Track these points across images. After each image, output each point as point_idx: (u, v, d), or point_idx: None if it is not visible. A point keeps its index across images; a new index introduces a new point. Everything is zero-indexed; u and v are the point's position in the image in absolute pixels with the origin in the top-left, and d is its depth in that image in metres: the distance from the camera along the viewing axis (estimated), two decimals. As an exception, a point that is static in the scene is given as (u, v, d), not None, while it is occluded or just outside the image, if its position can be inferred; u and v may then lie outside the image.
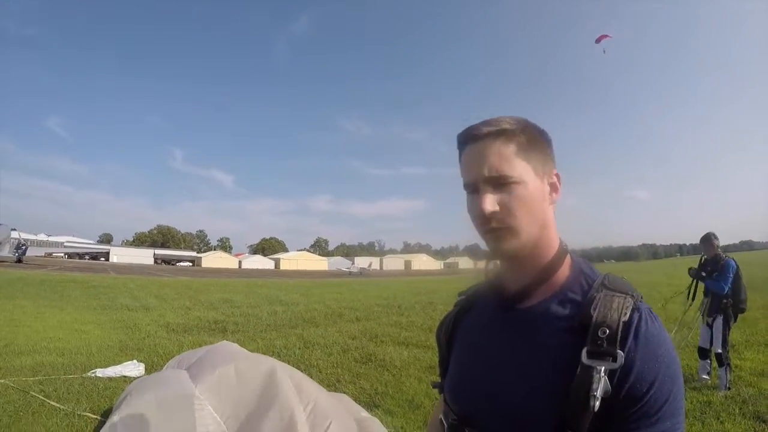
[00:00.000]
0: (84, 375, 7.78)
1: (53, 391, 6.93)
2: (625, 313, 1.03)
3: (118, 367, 8.13)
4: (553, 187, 1.21)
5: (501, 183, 1.12)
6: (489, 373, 1.18)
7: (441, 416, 1.32)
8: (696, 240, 8.27)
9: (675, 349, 1.05)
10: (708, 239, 7.77)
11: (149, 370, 8.21)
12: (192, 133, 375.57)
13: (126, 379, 7.59)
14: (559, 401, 1.00)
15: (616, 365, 0.98)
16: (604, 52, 25.43)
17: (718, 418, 6.14)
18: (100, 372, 7.84)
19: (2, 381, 7.13)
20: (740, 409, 6.44)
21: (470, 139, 1.17)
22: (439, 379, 1.43)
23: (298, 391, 3.65)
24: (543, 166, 1.18)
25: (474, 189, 1.15)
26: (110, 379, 7.61)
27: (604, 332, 1.00)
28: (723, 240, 7.86)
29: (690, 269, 8.04)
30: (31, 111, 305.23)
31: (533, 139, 1.18)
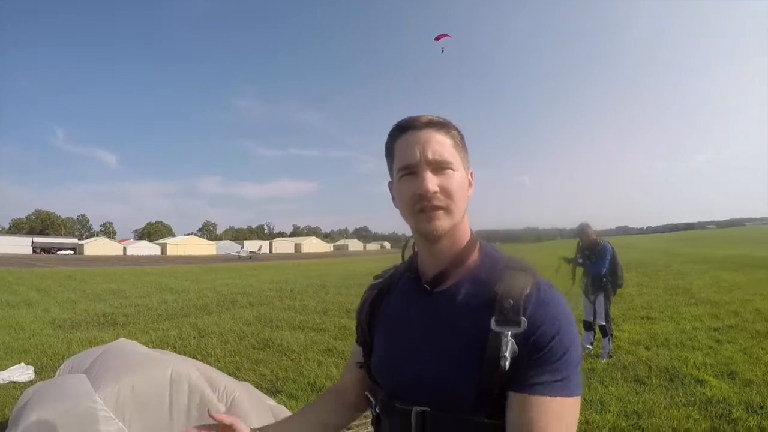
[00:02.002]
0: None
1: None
2: (527, 287, 1.16)
3: (4, 372, 7.59)
4: (470, 183, 1.33)
5: (441, 167, 1.23)
6: (414, 351, 1.27)
7: (368, 393, 1.43)
8: (576, 225, 8.87)
9: (572, 314, 1.19)
10: (583, 229, 8.52)
11: (40, 374, 7.80)
12: (74, 109, 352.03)
13: (15, 386, 7.15)
14: (477, 368, 1.12)
15: (520, 329, 1.10)
16: (442, 51, 25.41)
17: (603, 383, 6.68)
18: (-9, 377, 7.35)
19: None
20: (622, 374, 7.04)
21: (412, 126, 1.27)
22: (346, 361, 1.58)
23: (210, 382, 3.62)
24: (466, 162, 1.32)
25: (413, 171, 1.23)
26: (-3, 385, 7.17)
27: (509, 303, 1.13)
28: (601, 225, 8.51)
29: (565, 259, 8.76)
30: None
31: (462, 138, 1.32)
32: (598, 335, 8.25)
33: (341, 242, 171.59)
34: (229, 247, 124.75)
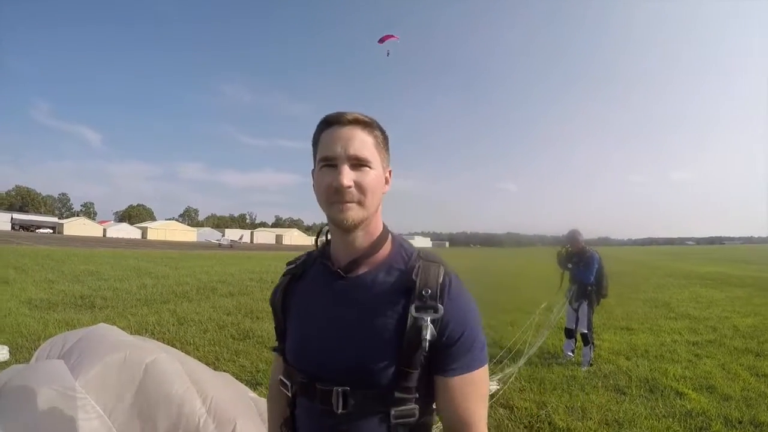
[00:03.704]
0: None
1: None
2: (440, 277, 1.35)
3: (-22, 350, 7.48)
4: (387, 181, 1.45)
5: (359, 164, 1.34)
6: (330, 333, 1.39)
7: (282, 377, 1.54)
8: (557, 233, 8.98)
9: (473, 300, 1.41)
10: (573, 236, 8.50)
11: (14, 354, 7.65)
12: (59, 83, 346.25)
13: (-12, 364, 7.04)
14: (396, 349, 1.30)
15: (438, 315, 1.29)
16: (388, 54, 25.00)
17: (583, 390, 6.70)
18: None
19: None
20: (602, 382, 7.07)
21: (337, 122, 1.37)
22: (276, 344, 1.67)
23: (194, 381, 3.52)
24: (385, 161, 1.44)
25: (333, 164, 1.33)
26: (-30, 364, 7.01)
27: (427, 292, 1.31)
28: (584, 235, 8.52)
29: (558, 255, 8.71)
30: None
31: (384, 138, 1.44)
32: (579, 343, 8.26)
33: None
34: (210, 235, 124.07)
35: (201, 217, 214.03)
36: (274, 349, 1.65)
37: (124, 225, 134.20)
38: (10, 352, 7.69)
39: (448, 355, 1.32)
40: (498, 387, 6.45)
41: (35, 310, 11.73)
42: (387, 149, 1.45)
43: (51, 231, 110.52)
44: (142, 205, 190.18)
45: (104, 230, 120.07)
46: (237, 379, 5.52)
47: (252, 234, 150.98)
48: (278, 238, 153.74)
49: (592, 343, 8.04)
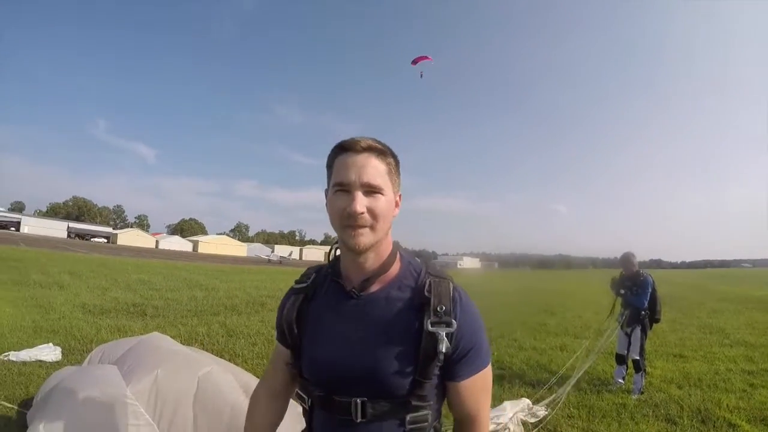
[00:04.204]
0: (-5, 358, 7.38)
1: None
2: (451, 292, 1.47)
3: (33, 350, 7.69)
4: (397, 204, 1.54)
5: (372, 191, 1.43)
6: (348, 348, 1.46)
7: (299, 391, 1.65)
8: (609, 255, 8.75)
9: (479, 314, 1.54)
10: (628, 259, 8.23)
11: (66, 355, 7.87)
12: (118, 101, 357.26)
13: (41, 364, 7.23)
14: (413, 361, 1.41)
15: (452, 329, 1.41)
16: (421, 75, 24.60)
17: (633, 419, 6.48)
18: (13, 355, 7.41)
19: None
20: (653, 411, 6.81)
21: (353, 149, 1.45)
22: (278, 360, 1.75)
23: (246, 394, 3.53)
24: (396, 186, 1.53)
25: (347, 189, 1.42)
26: (24, 363, 7.21)
27: (442, 307, 1.42)
28: (637, 258, 8.29)
29: (612, 281, 8.48)
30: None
31: (397, 165, 1.54)
32: (631, 370, 7.97)
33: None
34: (260, 250, 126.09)
35: (251, 233, 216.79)
36: (291, 367, 1.67)
37: (176, 238, 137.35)
38: (62, 353, 7.97)
39: (460, 364, 1.47)
40: (546, 412, 6.33)
41: (88, 315, 12.08)
42: (398, 175, 1.55)
43: (105, 240, 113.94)
44: (194, 219, 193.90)
45: (156, 242, 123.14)
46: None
47: (301, 251, 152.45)
48: (326, 255, 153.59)
49: (644, 370, 7.76)
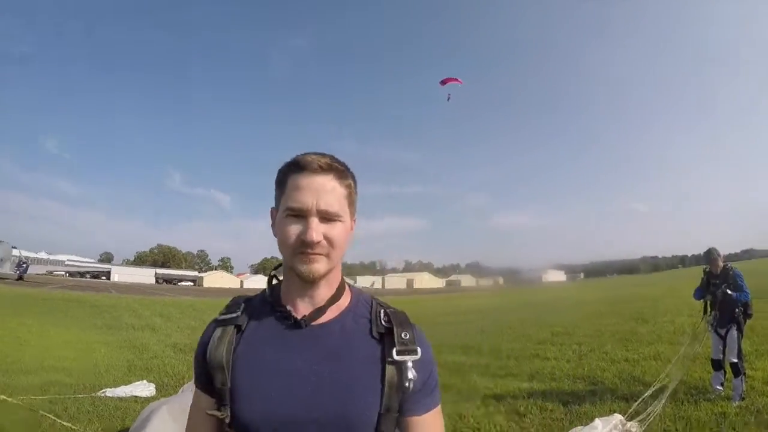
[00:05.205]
0: (94, 395, 7.74)
1: (63, 410, 6.91)
2: (409, 322, 1.42)
3: (128, 387, 8.06)
4: (351, 228, 1.44)
5: (329, 218, 1.32)
6: (303, 386, 1.29)
7: None
8: (698, 250, 8.32)
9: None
10: (711, 255, 7.88)
11: (160, 391, 8.17)
12: (188, 153, 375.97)
13: (137, 400, 7.55)
14: (379, 393, 1.30)
15: (418, 357, 1.34)
16: (448, 98, 23.70)
17: (734, 429, 6.14)
18: (110, 392, 7.77)
19: (11, 400, 7.09)
20: (755, 418, 6.41)
21: (309, 168, 1.33)
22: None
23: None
24: (354, 210, 1.44)
25: (303, 215, 1.31)
26: (120, 399, 7.56)
27: (406, 336, 1.36)
28: (725, 249, 7.90)
29: (697, 292, 8.15)
30: (29, 130, 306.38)
31: (355, 187, 1.44)
32: (729, 375, 7.50)
33: (453, 277, 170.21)
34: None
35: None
36: (221, 416, 1.34)
37: (260, 276, 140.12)
38: (156, 388, 8.27)
39: (421, 394, 1.37)
40: (640, 428, 6.08)
41: (179, 353, 12.47)
42: (355, 199, 1.45)
43: (192, 284, 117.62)
44: (276, 257, 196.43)
45: (241, 282, 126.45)
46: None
47: (383, 280, 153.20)
48: (409, 282, 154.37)
49: (744, 374, 7.31)
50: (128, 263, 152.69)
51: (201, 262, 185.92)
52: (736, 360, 7.24)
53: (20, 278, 49.99)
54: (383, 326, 1.38)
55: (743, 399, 7.13)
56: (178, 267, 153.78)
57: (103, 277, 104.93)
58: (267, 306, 1.44)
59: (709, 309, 7.90)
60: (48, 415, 6.56)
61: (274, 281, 1.52)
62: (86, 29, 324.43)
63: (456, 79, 23.18)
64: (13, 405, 6.92)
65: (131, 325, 18.03)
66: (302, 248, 1.30)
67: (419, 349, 1.35)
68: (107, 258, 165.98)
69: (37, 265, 69.49)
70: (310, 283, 1.36)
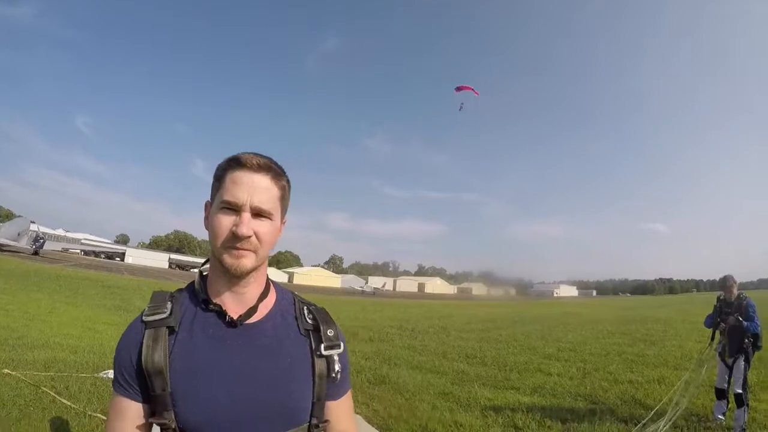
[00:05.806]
0: (96, 375, 7.81)
1: (65, 388, 6.97)
2: (331, 318, 1.60)
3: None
4: (280, 230, 1.52)
5: (261, 215, 1.40)
6: (243, 383, 1.37)
7: None
8: (713, 276, 8.22)
9: None
10: (728, 283, 7.74)
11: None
12: (213, 142, 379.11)
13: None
14: (310, 385, 1.48)
15: (341, 350, 1.55)
16: (460, 108, 23.64)
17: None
18: (111, 373, 7.78)
19: (14, 373, 7.16)
20: (757, 452, 6.30)
21: (248, 166, 1.40)
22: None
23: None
24: (285, 211, 1.53)
25: (236, 210, 1.37)
26: (122, 380, 7.57)
27: (331, 333, 1.54)
28: (740, 278, 7.80)
29: (708, 319, 8.08)
30: (61, 108, 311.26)
31: (288, 190, 1.53)
32: (732, 404, 7.41)
33: (465, 285, 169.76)
34: (354, 282, 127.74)
35: (345, 265, 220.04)
36: (161, 422, 1.33)
37: (273, 269, 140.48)
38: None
39: (341, 381, 1.55)
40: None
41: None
42: (288, 201, 1.54)
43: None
44: (290, 251, 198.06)
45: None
46: (368, 422, 5.58)
47: (395, 282, 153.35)
48: (420, 286, 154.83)
49: (747, 405, 7.19)
50: (143, 246, 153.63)
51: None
52: (740, 391, 7.12)
53: (36, 253, 50.65)
54: (309, 323, 1.55)
55: (745, 431, 7.01)
56: (193, 254, 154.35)
57: (117, 258, 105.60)
58: (197, 304, 1.47)
59: (717, 337, 7.79)
60: (49, 391, 6.63)
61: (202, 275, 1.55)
62: (128, 13, 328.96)
63: (471, 89, 23.09)
64: (15, 379, 6.99)
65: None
66: (233, 242, 1.36)
67: (342, 344, 1.56)
68: (123, 240, 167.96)
69: (53, 242, 70.28)
70: (237, 278, 1.42)
